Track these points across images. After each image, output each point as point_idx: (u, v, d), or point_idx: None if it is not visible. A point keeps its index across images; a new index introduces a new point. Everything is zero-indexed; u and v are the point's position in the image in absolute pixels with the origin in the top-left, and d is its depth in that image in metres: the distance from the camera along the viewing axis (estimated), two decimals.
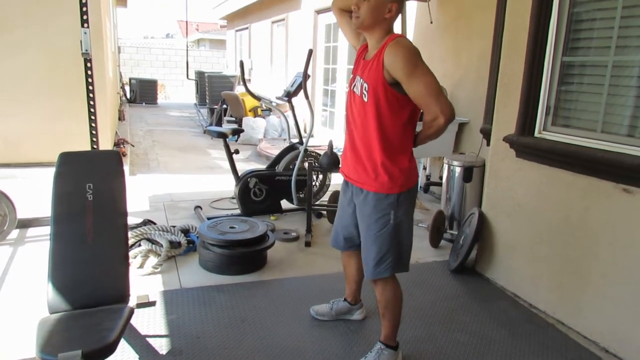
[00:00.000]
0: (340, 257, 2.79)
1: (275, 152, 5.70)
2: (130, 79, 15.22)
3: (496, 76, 3.48)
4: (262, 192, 4.53)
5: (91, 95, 3.86)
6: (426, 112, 2.12)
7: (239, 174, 4.58)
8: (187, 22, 13.76)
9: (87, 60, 3.74)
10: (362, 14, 2.14)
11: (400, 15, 2.34)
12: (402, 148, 2.22)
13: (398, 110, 2.15)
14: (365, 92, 2.17)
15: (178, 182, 5.90)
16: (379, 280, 2.34)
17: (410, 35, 5.92)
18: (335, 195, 4.65)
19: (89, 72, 3.80)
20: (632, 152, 2.48)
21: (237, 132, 5.80)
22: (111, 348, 1.88)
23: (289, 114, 5.18)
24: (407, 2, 5.56)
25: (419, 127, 2.25)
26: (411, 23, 5.92)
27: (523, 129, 3.09)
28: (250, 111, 9.45)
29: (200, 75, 12.72)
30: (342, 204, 2.52)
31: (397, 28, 2.34)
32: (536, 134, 3.06)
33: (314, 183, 4.78)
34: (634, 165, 2.43)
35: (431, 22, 5.43)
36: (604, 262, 2.63)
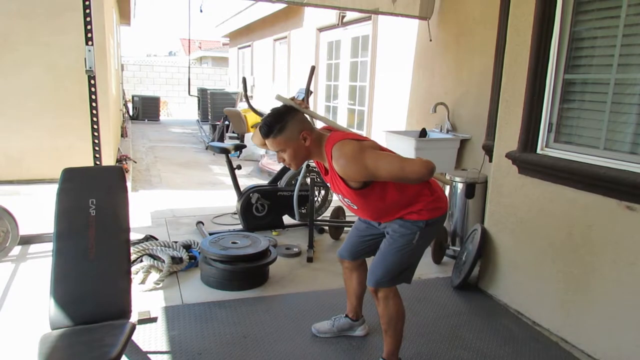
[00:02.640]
0: (342, 272, 2.78)
1: (277, 167, 5.72)
2: (133, 96, 15.32)
3: (498, 93, 3.49)
4: (264, 207, 4.52)
5: (94, 112, 3.88)
6: (407, 182, 2.16)
7: (241, 190, 4.58)
8: (189, 40, 13.87)
9: (91, 77, 3.77)
10: (290, 161, 2.22)
11: (310, 115, 2.40)
12: (415, 194, 2.25)
13: (382, 190, 2.20)
14: (351, 203, 2.30)
15: (180, 197, 5.91)
16: (381, 295, 2.34)
17: (411, 54, 5.96)
18: (337, 211, 4.65)
19: (93, 89, 3.82)
20: (635, 169, 2.48)
21: (240, 147, 5.82)
22: None
23: None
24: (408, 20, 5.63)
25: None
26: (412, 41, 5.97)
27: (525, 145, 3.10)
28: (252, 127, 9.47)
29: (202, 92, 12.81)
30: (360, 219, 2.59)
31: None
32: (539, 151, 3.06)
33: (316, 198, 4.78)
34: (636, 182, 2.42)
35: (430, 40, 5.47)
36: (608, 280, 2.61)
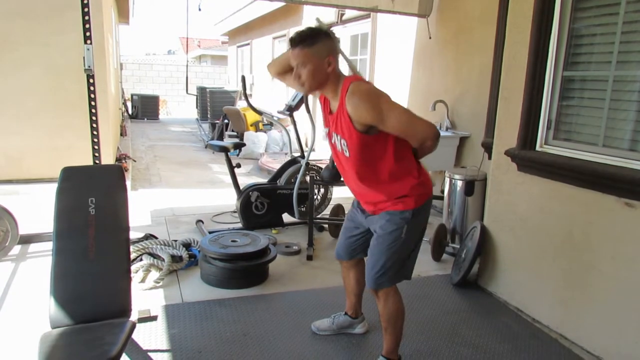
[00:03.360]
0: (341, 271, 2.79)
1: (276, 166, 5.72)
2: (132, 95, 15.31)
3: (497, 90, 3.50)
4: (263, 205, 4.53)
5: (93, 110, 3.88)
6: (411, 141, 2.15)
7: (241, 188, 4.58)
8: (188, 38, 13.83)
9: (90, 76, 3.77)
10: (305, 80, 2.16)
11: (344, 58, 2.36)
12: (405, 170, 2.23)
13: (382, 148, 2.16)
14: (346, 149, 2.20)
15: (179, 196, 5.91)
16: (382, 293, 2.34)
17: (410, 52, 5.96)
18: (336, 209, 4.65)
19: (92, 88, 3.82)
20: (634, 166, 2.48)
21: (239, 146, 5.82)
22: None
23: (291, 128, 5.20)
24: (407, 17, 5.62)
25: None
26: (412, 38, 5.97)
27: (524, 142, 3.10)
28: (251, 125, 9.49)
29: (201, 90, 12.80)
30: (352, 216, 2.54)
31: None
32: (538, 148, 3.07)
33: (315, 197, 4.78)
34: (635, 179, 2.43)
35: (430, 38, 5.48)
36: (607, 277, 2.61)
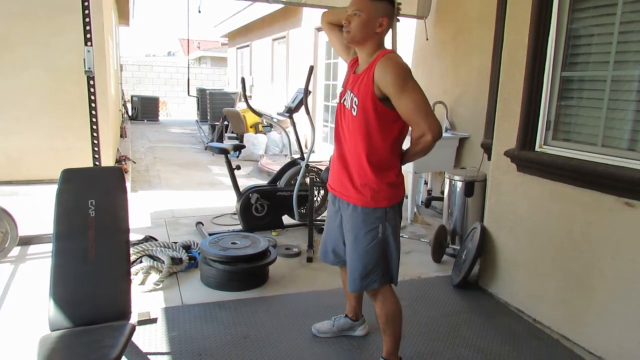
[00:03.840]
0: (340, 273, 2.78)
1: (276, 167, 5.72)
2: (132, 97, 15.31)
3: (496, 91, 3.50)
4: (263, 207, 4.53)
5: (93, 112, 3.88)
6: (414, 128, 2.13)
7: (241, 190, 4.58)
8: (188, 40, 13.87)
9: (90, 77, 3.77)
10: (353, 28, 2.14)
11: (391, 31, 2.35)
12: (390, 163, 2.22)
13: (387, 126, 2.15)
14: (355, 107, 2.17)
15: (179, 198, 5.91)
16: (378, 295, 2.33)
17: (409, 52, 5.97)
18: None
19: (92, 90, 3.82)
20: (633, 165, 2.48)
21: (239, 148, 5.82)
22: None
23: (290, 129, 5.20)
24: (406, 19, 5.63)
25: (406, 144, 2.25)
26: (410, 40, 5.97)
27: (524, 143, 3.10)
28: (251, 127, 9.49)
29: (201, 92, 12.81)
30: (330, 216, 2.51)
31: (389, 42, 2.36)
32: (537, 148, 3.07)
33: (315, 198, 4.78)
34: (635, 178, 2.43)
35: (427, 39, 5.48)
36: (608, 277, 2.61)
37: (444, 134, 4.97)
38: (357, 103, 2.16)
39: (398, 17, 2.31)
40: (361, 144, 2.18)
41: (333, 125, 9.39)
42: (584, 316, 2.75)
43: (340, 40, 2.36)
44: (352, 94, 2.20)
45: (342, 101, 2.30)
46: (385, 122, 2.14)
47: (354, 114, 2.18)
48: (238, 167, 4.65)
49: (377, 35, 2.16)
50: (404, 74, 2.07)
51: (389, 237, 2.25)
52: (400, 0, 2.31)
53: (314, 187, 4.51)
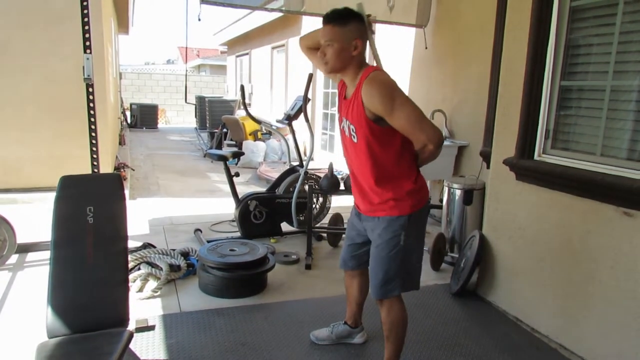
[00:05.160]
0: (341, 280, 2.78)
1: (275, 175, 5.72)
2: (131, 104, 15.34)
3: (495, 100, 3.51)
4: (262, 214, 4.52)
5: (92, 119, 3.88)
6: (414, 141, 2.15)
7: (239, 197, 4.58)
8: (187, 48, 13.90)
9: (89, 85, 3.78)
10: (330, 59, 2.18)
11: (370, 47, 2.36)
12: (404, 172, 2.23)
13: (388, 142, 2.17)
14: (354, 134, 2.21)
15: (178, 205, 5.90)
16: (385, 301, 2.33)
17: (408, 61, 5.99)
18: (335, 218, 4.64)
19: (91, 97, 3.83)
20: (632, 175, 2.48)
21: (238, 155, 5.83)
22: None
23: (289, 137, 5.21)
24: (405, 28, 5.66)
25: None
26: (409, 49, 6.00)
27: (523, 152, 3.11)
28: (250, 135, 9.50)
29: (200, 100, 12.82)
30: (353, 224, 2.54)
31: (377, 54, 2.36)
32: (536, 157, 3.07)
33: (314, 206, 4.78)
34: (633, 188, 2.43)
35: (426, 48, 5.50)
36: (606, 286, 2.61)
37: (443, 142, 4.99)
38: (354, 130, 2.20)
39: (372, 30, 2.30)
40: (369, 166, 2.22)
41: (332, 133, 9.43)
42: (583, 325, 2.75)
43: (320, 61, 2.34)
44: (348, 122, 2.24)
45: (341, 127, 2.33)
46: (385, 139, 2.16)
47: (355, 141, 2.22)
48: (237, 174, 4.66)
49: (355, 57, 2.18)
50: (389, 92, 2.07)
51: (412, 245, 2.27)
52: (370, 12, 2.30)
53: (313, 195, 4.51)
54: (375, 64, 2.37)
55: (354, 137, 2.22)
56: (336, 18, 2.14)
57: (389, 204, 2.22)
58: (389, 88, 2.08)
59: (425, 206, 2.30)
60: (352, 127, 2.20)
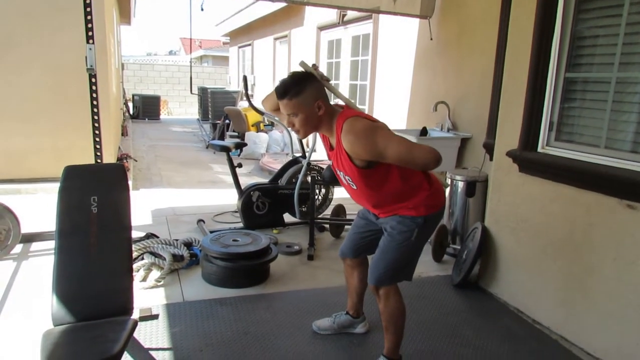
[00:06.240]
0: (342, 270, 2.79)
1: (277, 166, 5.72)
2: (133, 95, 15.33)
3: (499, 91, 3.50)
4: (265, 205, 4.53)
5: (95, 110, 3.89)
6: (413, 169, 2.16)
7: (242, 188, 4.59)
8: (190, 39, 13.85)
9: (92, 75, 3.78)
10: (300, 127, 2.18)
11: (333, 93, 2.36)
12: (415, 185, 2.25)
13: (387, 175, 2.18)
14: (352, 183, 2.24)
15: (181, 196, 5.91)
16: (382, 292, 2.35)
17: (412, 53, 5.97)
18: (337, 209, 4.65)
19: (94, 88, 3.83)
20: (636, 168, 2.48)
21: (240, 146, 5.83)
22: None
23: None
24: (409, 19, 5.63)
25: None
26: (413, 40, 5.97)
27: (526, 144, 3.10)
28: (252, 126, 9.50)
29: (203, 91, 12.82)
30: (365, 214, 2.56)
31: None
32: (539, 149, 3.07)
33: (316, 197, 4.79)
34: (637, 181, 2.43)
35: (431, 39, 5.48)
36: (608, 278, 2.62)
37: (446, 134, 4.98)
38: (350, 180, 2.23)
39: (326, 78, 2.25)
40: (377, 198, 2.28)
41: None
42: (584, 317, 2.76)
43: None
44: (341, 173, 2.26)
45: (337, 172, 2.34)
46: (382, 174, 2.18)
47: (355, 188, 2.26)
48: (239, 165, 4.66)
49: (323, 115, 2.16)
50: (369, 139, 2.04)
51: (420, 243, 2.32)
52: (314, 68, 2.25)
53: (315, 186, 4.52)
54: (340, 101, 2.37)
55: (352, 185, 2.26)
56: (289, 91, 2.11)
57: (407, 206, 2.25)
58: (367, 134, 2.05)
59: (441, 209, 2.33)
60: (347, 177, 2.24)
